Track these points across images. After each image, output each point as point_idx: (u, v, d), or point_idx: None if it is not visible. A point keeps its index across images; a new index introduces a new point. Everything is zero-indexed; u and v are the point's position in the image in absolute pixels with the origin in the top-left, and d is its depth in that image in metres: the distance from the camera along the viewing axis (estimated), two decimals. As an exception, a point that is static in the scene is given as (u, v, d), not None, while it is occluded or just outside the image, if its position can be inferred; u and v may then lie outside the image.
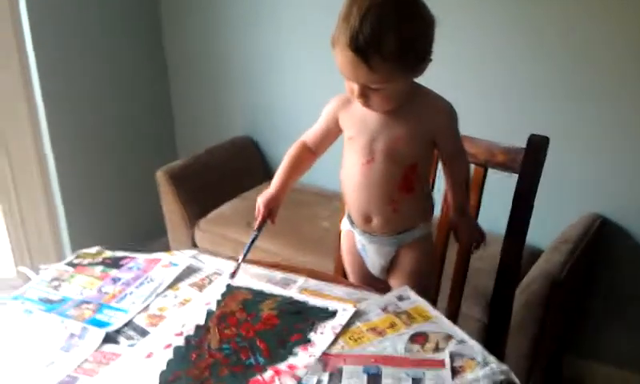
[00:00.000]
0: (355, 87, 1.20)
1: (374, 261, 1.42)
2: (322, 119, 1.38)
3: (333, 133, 1.37)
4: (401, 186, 1.31)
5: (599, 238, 1.99)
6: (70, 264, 1.35)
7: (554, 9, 1.96)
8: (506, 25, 2.07)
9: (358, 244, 1.43)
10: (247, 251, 1.28)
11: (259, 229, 1.35)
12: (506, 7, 2.06)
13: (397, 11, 1.12)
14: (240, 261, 1.27)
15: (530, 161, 1.38)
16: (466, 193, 1.40)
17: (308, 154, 1.40)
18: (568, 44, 1.97)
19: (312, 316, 1.11)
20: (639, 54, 1.86)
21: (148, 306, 1.17)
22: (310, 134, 1.40)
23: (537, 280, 1.71)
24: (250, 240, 1.31)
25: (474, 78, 2.16)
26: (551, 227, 1.92)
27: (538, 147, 1.38)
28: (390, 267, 1.42)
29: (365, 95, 1.20)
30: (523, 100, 2.10)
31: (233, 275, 1.24)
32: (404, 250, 1.39)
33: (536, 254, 1.89)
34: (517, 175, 1.40)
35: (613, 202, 2.02)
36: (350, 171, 1.34)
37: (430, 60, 1.20)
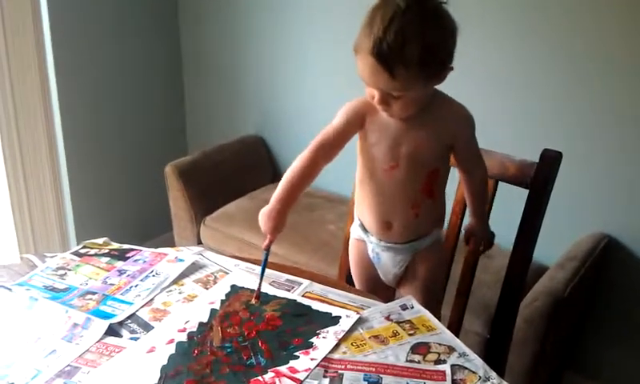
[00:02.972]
0: (376, 93, 1.20)
1: (388, 269, 1.42)
2: (342, 119, 1.29)
3: (351, 133, 1.30)
4: (423, 190, 1.32)
5: (605, 257, 1.98)
6: (77, 253, 1.35)
7: (574, 23, 1.96)
8: (522, 37, 2.07)
9: (372, 253, 1.43)
10: (263, 272, 1.21)
11: (267, 251, 1.23)
12: (522, 19, 2.06)
13: (421, 20, 1.12)
14: (259, 284, 1.20)
15: (541, 176, 1.38)
16: (485, 200, 1.41)
17: (320, 163, 1.28)
18: (585, 58, 1.96)
19: (315, 320, 1.11)
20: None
21: (152, 299, 1.18)
22: (326, 135, 1.29)
23: (540, 297, 1.70)
24: (263, 261, 1.22)
25: (489, 90, 2.15)
26: (557, 244, 1.91)
27: (550, 162, 1.37)
28: (402, 275, 1.42)
29: (385, 102, 1.20)
30: (533, 116, 2.09)
31: (257, 299, 1.17)
32: (418, 257, 1.40)
33: (541, 270, 1.89)
34: (527, 190, 1.40)
35: (620, 222, 2.01)
36: (370, 178, 1.33)
37: (452, 68, 1.20)
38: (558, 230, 1.91)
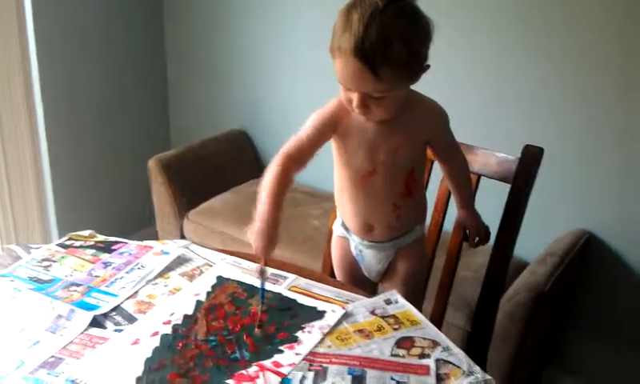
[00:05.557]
0: (355, 97, 1.15)
1: (371, 266, 1.43)
2: (312, 128, 1.24)
3: (324, 140, 1.26)
4: (403, 192, 1.32)
5: (585, 253, 2.01)
6: (62, 245, 1.35)
7: (552, 19, 1.98)
8: (502, 32, 2.08)
9: (354, 250, 1.43)
10: (263, 298, 1.14)
11: (263, 273, 1.15)
12: (497, 15, 2.07)
13: (400, 16, 1.10)
14: (260, 310, 1.12)
15: (523, 171, 1.39)
16: (469, 186, 1.42)
17: (293, 174, 1.23)
18: (560, 57, 1.98)
19: (301, 314, 1.11)
20: (634, 70, 1.89)
21: (137, 292, 1.18)
22: (296, 147, 1.23)
23: (521, 291, 1.72)
24: (261, 287, 1.15)
25: (467, 85, 2.16)
26: (538, 240, 1.93)
27: (532, 158, 1.39)
28: (385, 271, 1.43)
29: (365, 105, 1.15)
30: (513, 111, 2.11)
31: (260, 327, 1.09)
32: (401, 253, 1.40)
33: (521, 266, 1.91)
34: (509, 185, 1.41)
35: (600, 218, 2.04)
36: (348, 185, 1.32)
37: (428, 66, 1.18)
38: (539, 226, 1.94)
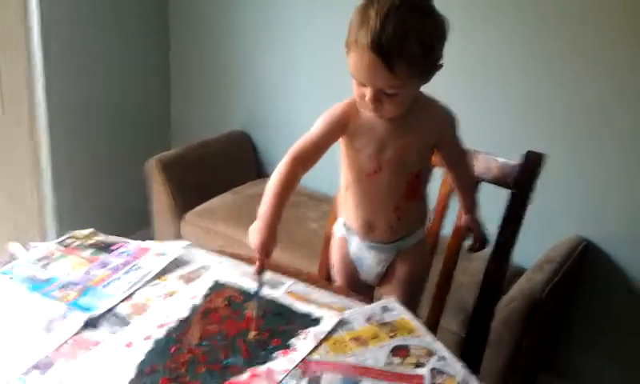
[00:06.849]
0: (368, 92, 1.16)
1: (371, 267, 1.42)
2: (322, 128, 1.26)
3: (334, 140, 1.27)
4: (405, 194, 1.32)
5: (582, 260, 2.01)
6: (62, 244, 1.35)
7: (554, 29, 1.98)
8: (506, 40, 2.09)
9: (354, 251, 1.43)
10: (259, 298, 1.14)
11: (260, 274, 1.16)
12: (505, 22, 2.08)
13: (417, 13, 1.11)
14: (256, 314, 1.12)
15: (524, 177, 1.39)
16: (475, 191, 1.43)
17: (299, 176, 1.24)
18: (561, 67, 1.99)
19: (296, 320, 1.11)
20: (634, 79, 1.88)
21: (133, 293, 1.17)
22: (305, 147, 1.25)
23: (517, 298, 1.72)
24: (257, 293, 1.15)
25: (470, 89, 2.17)
26: (535, 247, 1.93)
27: (534, 164, 1.39)
28: (385, 273, 1.43)
29: (378, 100, 1.16)
30: (515, 118, 2.11)
31: (256, 331, 1.08)
32: (402, 256, 1.40)
33: (518, 272, 1.91)
34: (508, 190, 1.41)
35: (598, 226, 2.04)
36: (354, 182, 1.32)
37: (442, 65, 1.18)
38: (536, 233, 1.93)
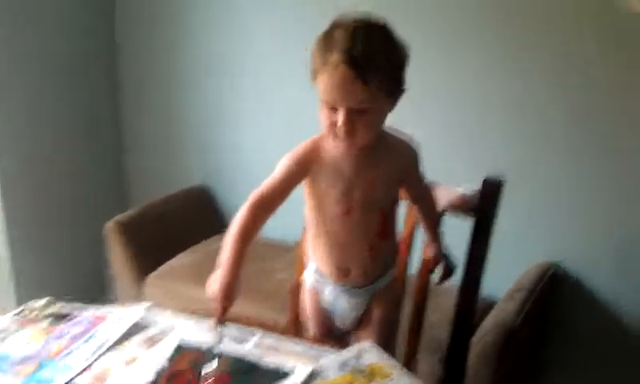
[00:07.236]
0: (340, 115, 1.14)
1: (346, 312, 1.39)
2: (283, 171, 1.23)
3: (297, 182, 1.25)
4: (379, 233, 1.30)
5: (552, 286, 2.01)
6: (18, 315, 1.30)
7: (512, 54, 2.02)
8: (456, 58, 2.11)
9: (327, 299, 1.39)
10: (218, 352, 1.12)
11: (220, 324, 1.15)
12: (459, 47, 2.10)
13: (381, 35, 1.15)
14: (215, 364, 1.10)
15: (484, 204, 1.38)
16: (439, 221, 1.43)
17: (260, 221, 1.22)
18: (520, 90, 2.02)
19: (265, 377, 1.06)
20: (599, 102, 1.92)
21: (93, 363, 1.11)
22: (266, 192, 1.22)
23: (492, 330, 1.70)
24: (218, 341, 1.14)
25: (426, 116, 2.15)
26: (504, 277, 1.92)
27: (492, 189, 1.38)
28: (360, 318, 1.40)
29: (350, 121, 1.14)
30: (476, 143, 2.13)
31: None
32: (376, 298, 1.38)
33: (489, 304, 1.89)
34: (472, 219, 1.40)
35: (565, 251, 2.05)
36: (322, 228, 1.30)
37: (404, 90, 1.19)
38: (505, 262, 1.93)
